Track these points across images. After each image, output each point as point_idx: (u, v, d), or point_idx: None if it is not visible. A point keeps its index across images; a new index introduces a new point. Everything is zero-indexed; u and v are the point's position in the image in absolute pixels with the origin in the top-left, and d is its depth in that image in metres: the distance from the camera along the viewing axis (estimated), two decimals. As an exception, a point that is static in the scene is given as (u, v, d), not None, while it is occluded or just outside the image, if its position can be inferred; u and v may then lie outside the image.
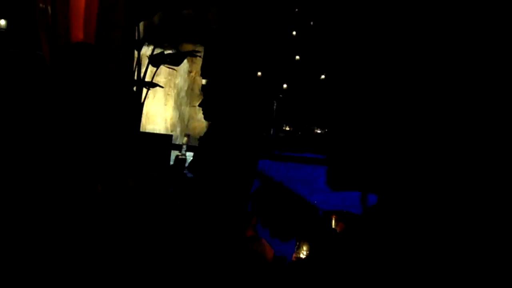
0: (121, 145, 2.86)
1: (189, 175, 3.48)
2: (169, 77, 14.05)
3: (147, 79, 5.71)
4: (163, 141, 4.45)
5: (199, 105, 5.56)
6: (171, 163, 5.07)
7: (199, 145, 4.55)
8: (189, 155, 5.25)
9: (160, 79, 10.16)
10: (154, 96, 12.91)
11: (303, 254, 4.06)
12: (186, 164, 5.06)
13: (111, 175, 2.68)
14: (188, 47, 11.53)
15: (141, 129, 5.97)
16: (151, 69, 5.83)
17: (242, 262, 2.83)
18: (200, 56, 7.09)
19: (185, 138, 5.51)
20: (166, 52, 6.26)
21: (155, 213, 2.73)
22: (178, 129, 14.05)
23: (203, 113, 5.82)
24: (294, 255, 4.06)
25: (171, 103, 15.65)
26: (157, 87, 6.11)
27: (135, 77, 5.27)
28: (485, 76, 1.27)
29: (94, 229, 2.57)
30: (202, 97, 6.96)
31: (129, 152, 2.94)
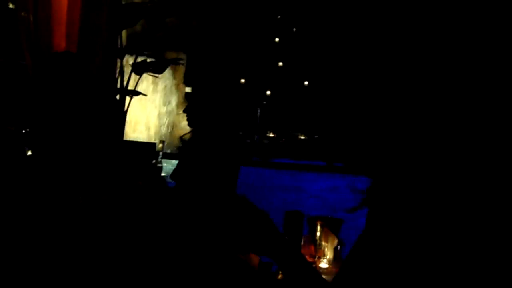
0: (105, 154, 2.85)
1: (171, 183, 3.45)
2: (153, 85, 14.04)
3: (131, 87, 5.70)
4: (146, 149, 4.44)
5: (184, 111, 5.52)
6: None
7: (183, 153, 4.54)
8: (165, 162, 5.23)
9: (143, 87, 10.17)
10: (138, 104, 12.88)
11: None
12: (163, 172, 5.04)
13: (93, 186, 2.67)
14: (171, 55, 11.53)
15: (125, 138, 5.95)
16: (134, 77, 5.82)
17: (229, 270, 2.82)
18: (182, 64, 7.08)
19: (160, 145, 5.45)
20: (149, 60, 6.26)
21: (141, 221, 2.72)
22: (162, 137, 14.01)
23: (187, 119, 5.78)
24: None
25: (153, 111, 15.64)
26: (141, 95, 6.10)
27: (118, 86, 5.26)
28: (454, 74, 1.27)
29: (75, 241, 2.55)
30: (185, 104, 6.93)
31: (113, 161, 2.92)
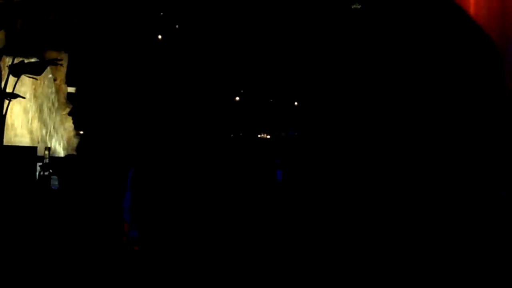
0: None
1: (55, 187, 3.36)
2: (33, 86, 13.64)
3: (11, 89, 5.52)
4: (27, 154, 4.27)
5: (69, 114, 5.39)
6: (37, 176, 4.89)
7: (72, 155, 4.42)
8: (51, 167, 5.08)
9: (24, 89, 9.88)
10: (19, 107, 12.50)
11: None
12: (51, 179, 4.90)
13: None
14: (52, 54, 11.24)
15: (7, 143, 5.75)
16: (13, 79, 5.63)
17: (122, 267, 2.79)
18: (61, 65, 6.90)
19: (46, 152, 5.30)
20: (29, 60, 6.06)
21: (21, 230, 2.64)
22: (47, 140, 13.66)
23: (73, 123, 5.64)
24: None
25: (36, 113, 15.21)
26: (22, 98, 5.91)
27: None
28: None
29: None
30: (68, 105, 6.76)
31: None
